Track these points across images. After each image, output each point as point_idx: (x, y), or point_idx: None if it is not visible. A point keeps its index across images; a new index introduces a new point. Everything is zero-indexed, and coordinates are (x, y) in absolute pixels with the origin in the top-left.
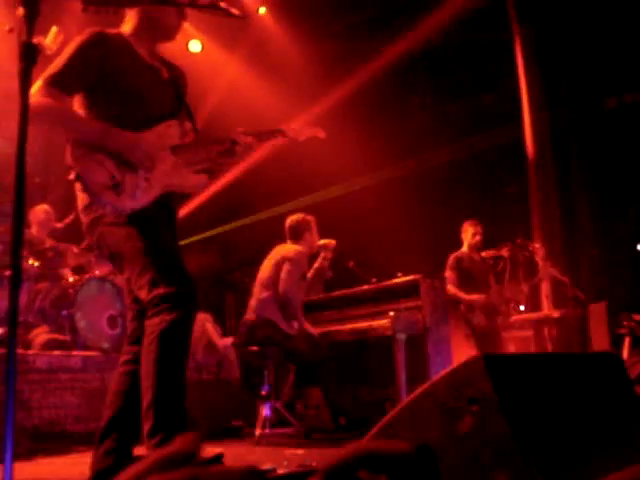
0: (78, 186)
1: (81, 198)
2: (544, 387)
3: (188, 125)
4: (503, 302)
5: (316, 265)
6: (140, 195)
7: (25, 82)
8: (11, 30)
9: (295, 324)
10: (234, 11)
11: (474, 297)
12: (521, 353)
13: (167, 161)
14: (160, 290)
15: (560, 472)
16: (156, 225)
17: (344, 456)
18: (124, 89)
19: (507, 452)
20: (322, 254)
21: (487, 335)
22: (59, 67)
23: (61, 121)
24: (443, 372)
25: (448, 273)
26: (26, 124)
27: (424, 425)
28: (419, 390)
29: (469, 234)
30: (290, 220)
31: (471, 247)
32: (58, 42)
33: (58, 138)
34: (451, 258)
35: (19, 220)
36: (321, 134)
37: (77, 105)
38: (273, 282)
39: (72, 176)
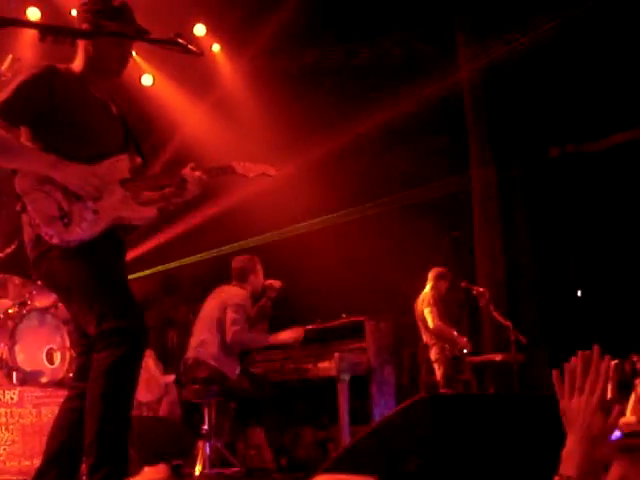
0: (25, 219)
1: (27, 232)
2: (485, 426)
3: (138, 159)
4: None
5: (260, 304)
6: (88, 227)
7: None
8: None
9: (237, 368)
10: (192, 48)
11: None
12: (465, 394)
13: (116, 193)
14: (109, 324)
15: None
16: (104, 257)
17: None
18: (73, 123)
19: None
20: (267, 293)
21: None
22: (5, 97)
23: (8, 150)
24: (390, 412)
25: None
26: None
27: (369, 466)
28: (365, 431)
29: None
30: (236, 261)
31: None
32: (15, 69)
33: (2, 167)
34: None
35: None
36: (271, 171)
37: (24, 137)
38: (215, 324)
39: (18, 207)
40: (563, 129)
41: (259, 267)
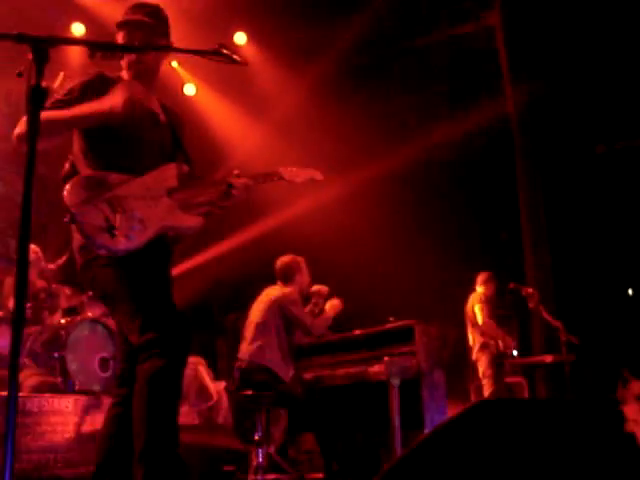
0: (74, 227)
1: (77, 239)
2: (547, 432)
3: (185, 168)
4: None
5: (307, 310)
6: (135, 237)
7: (33, 125)
8: (20, 74)
9: (292, 372)
10: (237, 58)
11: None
12: (515, 398)
13: (163, 203)
14: (150, 335)
15: None
16: (149, 268)
17: None
18: (121, 131)
19: None
20: (313, 300)
21: None
22: (56, 98)
23: (61, 119)
24: (441, 416)
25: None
26: (33, 167)
27: (426, 475)
28: (420, 438)
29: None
30: (280, 262)
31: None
32: (65, 87)
33: (52, 179)
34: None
35: (23, 263)
36: (319, 177)
37: (76, 148)
38: (271, 328)
39: (67, 219)
40: (608, 127)
41: (304, 266)
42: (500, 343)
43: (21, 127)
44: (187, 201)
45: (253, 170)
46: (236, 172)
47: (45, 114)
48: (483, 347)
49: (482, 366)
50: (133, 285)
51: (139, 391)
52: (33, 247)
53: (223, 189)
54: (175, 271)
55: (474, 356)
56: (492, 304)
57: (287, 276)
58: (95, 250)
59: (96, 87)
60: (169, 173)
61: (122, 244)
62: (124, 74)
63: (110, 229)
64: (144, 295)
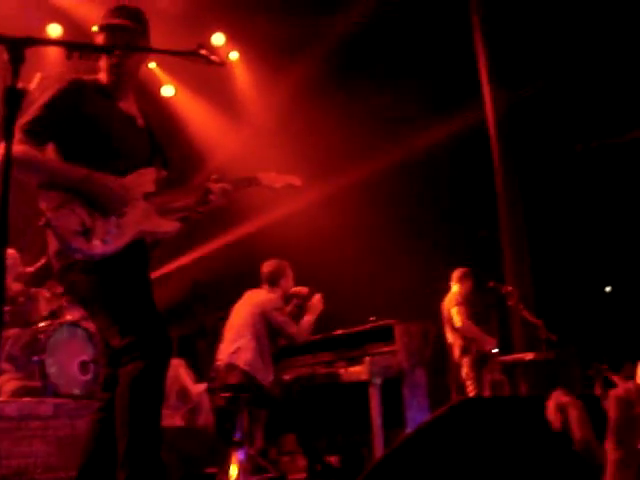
0: (49, 232)
1: (53, 244)
2: (527, 429)
3: (163, 173)
4: None
5: (287, 310)
6: (111, 241)
7: (9, 127)
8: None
9: (271, 375)
10: (214, 58)
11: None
12: (505, 396)
13: (139, 207)
14: (130, 338)
15: None
16: (127, 271)
17: None
18: (99, 136)
19: None
20: (294, 301)
21: None
22: (33, 115)
23: (40, 167)
24: (423, 415)
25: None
26: (9, 170)
27: (408, 474)
28: (402, 437)
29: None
30: (267, 266)
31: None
32: (42, 87)
33: (33, 182)
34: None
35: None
36: (297, 182)
37: (51, 153)
38: (251, 330)
39: (42, 222)
40: (585, 125)
41: (289, 271)
42: (475, 345)
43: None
44: (164, 206)
45: (232, 173)
46: (214, 177)
47: (33, 159)
48: (464, 351)
49: (465, 367)
50: (112, 290)
51: (121, 394)
52: (10, 251)
53: (201, 194)
54: (156, 273)
55: (456, 358)
56: (468, 303)
57: (273, 280)
58: (71, 254)
59: (72, 96)
60: (147, 177)
61: (98, 248)
62: (102, 76)
63: (86, 233)
64: (123, 299)
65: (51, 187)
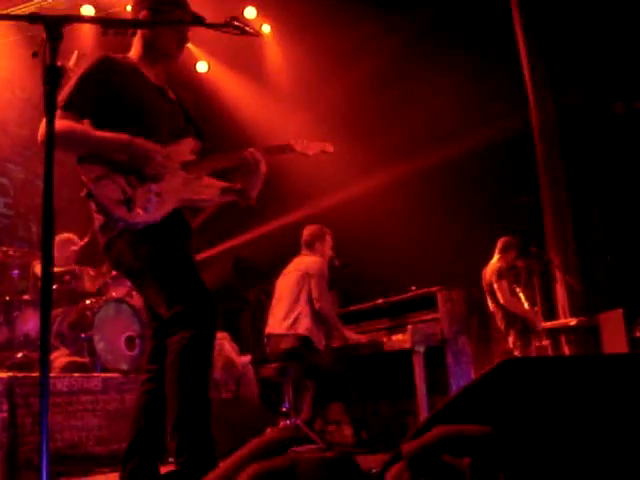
0: (92, 206)
1: (97, 219)
2: (572, 389)
3: (198, 143)
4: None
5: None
6: (152, 209)
7: (50, 105)
8: (36, 54)
9: (324, 340)
10: (249, 29)
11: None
12: (547, 356)
13: (179, 176)
14: (178, 308)
15: None
16: (171, 241)
17: (427, 440)
18: (133, 110)
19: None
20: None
21: None
22: (69, 92)
23: (85, 139)
24: (467, 381)
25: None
26: (52, 148)
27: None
28: (444, 401)
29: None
30: (306, 229)
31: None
32: (80, 65)
33: (68, 159)
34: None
35: (48, 246)
36: (329, 149)
37: (88, 123)
38: (300, 297)
39: (83, 193)
40: (627, 86)
41: (328, 237)
42: (528, 321)
43: (42, 130)
44: (203, 175)
45: (266, 143)
46: (250, 149)
47: (78, 131)
48: (509, 323)
49: (512, 337)
50: (158, 260)
51: (170, 364)
52: (67, 235)
53: (237, 163)
54: (202, 255)
55: (501, 328)
56: (510, 275)
57: (310, 243)
58: (114, 225)
59: (103, 73)
60: (185, 147)
61: (140, 217)
62: (133, 52)
63: (127, 202)
64: (169, 269)
65: (91, 160)
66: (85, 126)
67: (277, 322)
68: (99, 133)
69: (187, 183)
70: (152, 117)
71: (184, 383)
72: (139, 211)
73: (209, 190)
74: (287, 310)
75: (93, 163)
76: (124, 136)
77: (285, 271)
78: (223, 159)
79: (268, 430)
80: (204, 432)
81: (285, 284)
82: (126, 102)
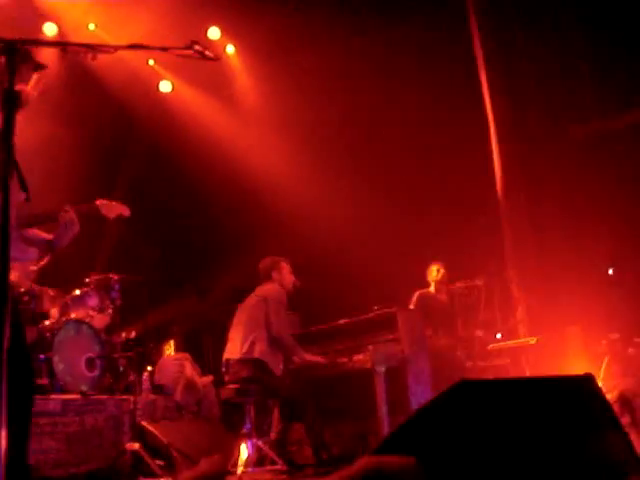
0: None
1: None
2: (523, 411)
3: (22, 196)
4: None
5: None
6: None
7: (8, 129)
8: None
9: (281, 364)
10: (208, 54)
11: None
12: (499, 379)
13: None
14: None
15: None
16: None
17: (352, 472)
18: None
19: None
20: None
21: None
22: None
23: None
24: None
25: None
26: (8, 174)
27: (412, 452)
28: (402, 420)
29: (434, 274)
30: (261, 263)
31: (437, 288)
32: (40, 87)
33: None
34: (416, 295)
35: (3, 266)
36: (126, 213)
37: None
38: (257, 322)
39: None
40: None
41: (283, 264)
42: None
43: None
44: (25, 232)
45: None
46: (65, 207)
47: None
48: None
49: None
50: None
51: None
52: None
53: (53, 220)
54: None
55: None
56: (437, 296)
57: (265, 275)
58: None
59: None
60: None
61: None
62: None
63: None
64: None
65: None
66: None
67: (234, 347)
68: None
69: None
70: None
71: None
72: None
73: (31, 248)
74: (244, 335)
75: None
76: None
77: (247, 298)
78: (43, 217)
79: (202, 461)
80: None
81: (243, 309)
82: None
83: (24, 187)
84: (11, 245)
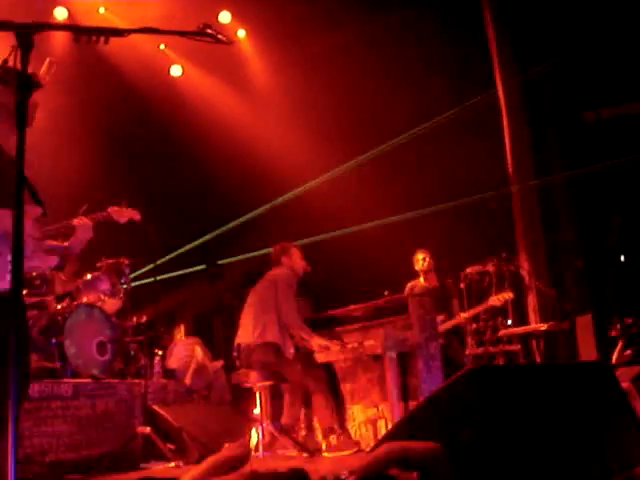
0: None
1: None
2: (536, 397)
3: (38, 210)
4: None
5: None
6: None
7: (21, 112)
8: (6, 61)
9: (292, 349)
10: (221, 37)
11: None
12: (512, 364)
13: (28, 245)
14: None
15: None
16: None
17: (377, 457)
18: None
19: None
20: None
21: None
22: None
23: None
24: (438, 386)
25: None
26: (22, 158)
27: (425, 436)
28: (415, 406)
29: (420, 263)
30: (272, 249)
31: (425, 277)
32: (52, 72)
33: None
34: (407, 288)
35: (18, 253)
36: (137, 217)
37: None
38: (268, 305)
39: None
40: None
41: (293, 249)
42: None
43: None
44: (43, 242)
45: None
46: (81, 214)
47: None
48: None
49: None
50: None
51: None
52: None
53: (68, 230)
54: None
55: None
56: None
57: (276, 260)
58: None
59: None
60: (29, 216)
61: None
62: None
63: None
64: None
65: None
66: None
67: (246, 332)
68: None
69: (35, 250)
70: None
71: None
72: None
73: (50, 257)
74: (255, 319)
75: None
76: None
77: (258, 284)
78: (63, 229)
79: (225, 446)
80: None
81: (254, 294)
82: None
83: (38, 201)
84: (33, 255)
